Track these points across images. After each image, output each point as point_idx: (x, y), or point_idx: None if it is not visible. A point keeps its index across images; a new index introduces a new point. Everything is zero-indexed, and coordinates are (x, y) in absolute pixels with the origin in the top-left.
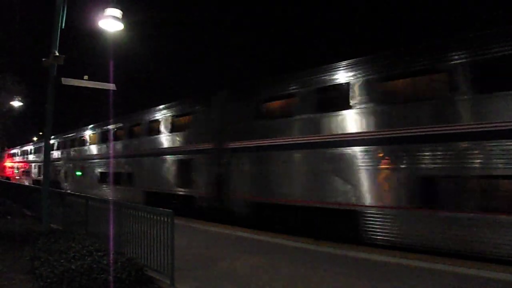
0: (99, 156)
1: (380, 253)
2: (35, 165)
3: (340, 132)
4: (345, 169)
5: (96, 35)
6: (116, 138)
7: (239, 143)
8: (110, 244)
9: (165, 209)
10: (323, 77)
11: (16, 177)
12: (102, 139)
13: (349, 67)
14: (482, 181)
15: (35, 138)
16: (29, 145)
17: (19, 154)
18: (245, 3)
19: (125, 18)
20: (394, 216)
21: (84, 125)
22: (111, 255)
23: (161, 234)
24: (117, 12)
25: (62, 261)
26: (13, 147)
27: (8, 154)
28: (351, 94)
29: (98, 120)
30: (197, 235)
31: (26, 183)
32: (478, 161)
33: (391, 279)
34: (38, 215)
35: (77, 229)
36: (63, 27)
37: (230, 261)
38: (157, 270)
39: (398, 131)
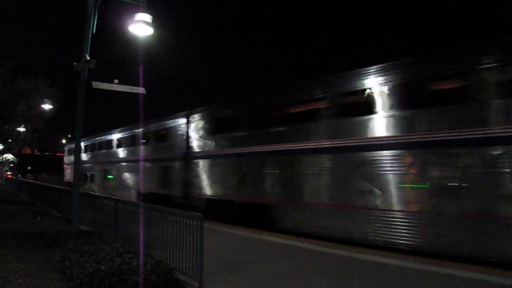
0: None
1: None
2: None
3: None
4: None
5: (128, 39)
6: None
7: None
8: (140, 246)
9: (195, 213)
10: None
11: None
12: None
13: None
14: None
15: (64, 141)
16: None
17: None
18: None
19: (155, 23)
20: None
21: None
22: (141, 257)
23: (190, 237)
24: (147, 17)
25: (92, 262)
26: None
27: None
28: None
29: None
30: (225, 238)
31: None
32: None
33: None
34: (67, 216)
35: (106, 231)
36: (94, 31)
37: (259, 265)
38: (185, 273)
39: None
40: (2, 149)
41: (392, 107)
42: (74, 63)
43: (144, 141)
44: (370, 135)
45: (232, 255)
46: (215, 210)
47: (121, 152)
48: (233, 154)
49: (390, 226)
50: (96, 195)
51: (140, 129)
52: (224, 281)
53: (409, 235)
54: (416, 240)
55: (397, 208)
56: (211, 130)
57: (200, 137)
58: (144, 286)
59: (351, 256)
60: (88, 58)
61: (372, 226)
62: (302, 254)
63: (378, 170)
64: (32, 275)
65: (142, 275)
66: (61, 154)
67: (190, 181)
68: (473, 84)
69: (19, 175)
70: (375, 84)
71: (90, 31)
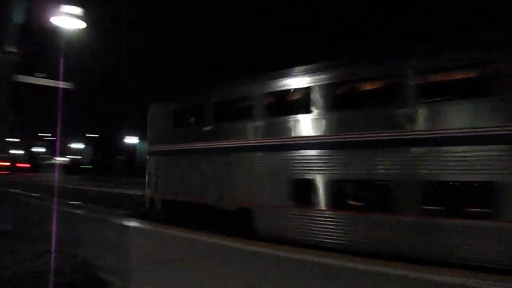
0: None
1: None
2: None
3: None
4: None
5: (54, 33)
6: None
7: None
8: (63, 245)
9: (118, 210)
10: None
11: None
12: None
13: None
14: None
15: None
16: None
17: None
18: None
19: (88, 16)
20: None
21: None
22: (65, 256)
23: (116, 235)
24: (77, 10)
25: (11, 263)
26: None
27: None
28: None
29: None
30: (153, 237)
31: None
32: None
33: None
34: None
35: (29, 230)
36: (20, 22)
37: (185, 263)
38: (112, 272)
39: None
40: None
41: None
42: None
43: None
44: None
45: (159, 253)
46: None
47: None
48: None
49: None
50: (18, 192)
51: None
52: (150, 279)
53: None
54: None
55: None
56: None
57: None
58: (68, 286)
59: (289, 256)
60: (12, 49)
61: None
62: (230, 253)
63: None
64: None
65: (66, 275)
66: None
67: None
68: None
69: None
70: None
71: (14, 20)
